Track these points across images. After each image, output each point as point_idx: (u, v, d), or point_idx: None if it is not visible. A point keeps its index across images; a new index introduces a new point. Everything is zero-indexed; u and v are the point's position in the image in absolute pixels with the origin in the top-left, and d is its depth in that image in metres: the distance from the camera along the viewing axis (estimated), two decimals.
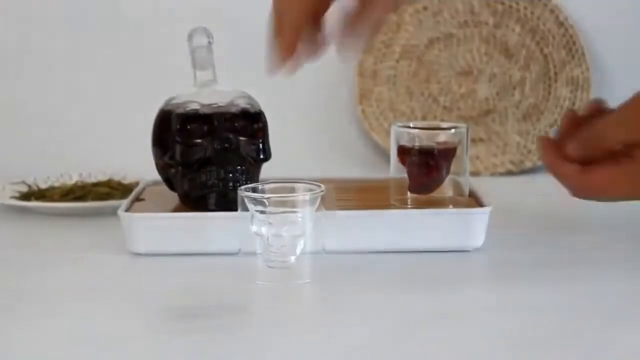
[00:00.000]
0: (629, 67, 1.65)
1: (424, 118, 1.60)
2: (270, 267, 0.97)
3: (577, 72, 1.60)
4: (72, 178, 1.38)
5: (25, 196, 1.32)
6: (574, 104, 1.60)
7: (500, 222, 1.10)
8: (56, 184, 1.37)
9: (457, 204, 1.10)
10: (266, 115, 1.10)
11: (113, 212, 1.11)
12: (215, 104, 1.09)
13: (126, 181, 1.35)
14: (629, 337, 0.83)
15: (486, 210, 1.07)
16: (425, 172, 1.09)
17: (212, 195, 1.08)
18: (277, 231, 0.96)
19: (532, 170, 1.55)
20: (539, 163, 1.55)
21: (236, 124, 1.09)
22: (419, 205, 1.10)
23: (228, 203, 1.05)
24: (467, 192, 1.11)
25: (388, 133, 1.14)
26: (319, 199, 0.97)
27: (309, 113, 1.60)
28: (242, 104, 1.10)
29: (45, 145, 1.57)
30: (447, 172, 1.10)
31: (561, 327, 0.86)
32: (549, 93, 1.60)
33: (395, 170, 1.11)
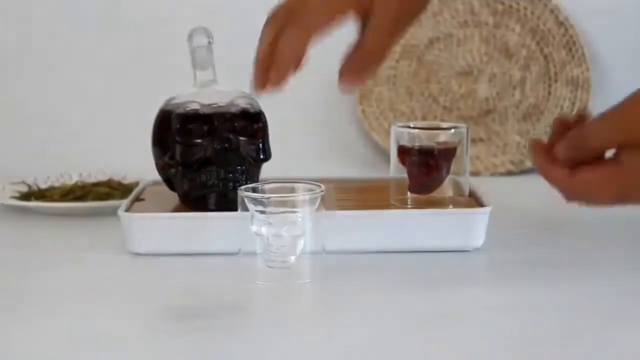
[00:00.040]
0: (629, 67, 1.65)
1: (424, 118, 1.60)
2: (270, 267, 0.97)
3: (577, 72, 1.60)
4: (72, 178, 1.38)
5: (25, 196, 1.32)
6: (574, 103, 1.60)
7: (500, 222, 1.10)
8: (56, 184, 1.37)
9: (457, 204, 1.10)
10: (266, 115, 1.10)
11: (113, 212, 1.11)
12: (215, 104, 1.09)
13: (126, 181, 1.35)
14: (628, 337, 0.83)
15: (486, 210, 1.07)
16: (425, 172, 1.09)
17: (212, 195, 1.08)
18: (277, 231, 0.96)
19: (532, 170, 1.55)
20: None
21: (236, 124, 1.09)
22: (419, 205, 1.10)
23: (228, 203, 1.05)
24: (467, 192, 1.11)
25: (388, 133, 1.14)
26: (319, 199, 0.97)
27: (309, 113, 1.60)
28: (242, 104, 1.10)
29: (45, 145, 1.57)
30: (447, 172, 1.10)
31: (561, 327, 0.86)
32: (549, 93, 1.60)
33: (395, 170, 1.11)
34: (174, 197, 1.12)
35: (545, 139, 0.88)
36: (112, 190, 1.31)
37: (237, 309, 0.92)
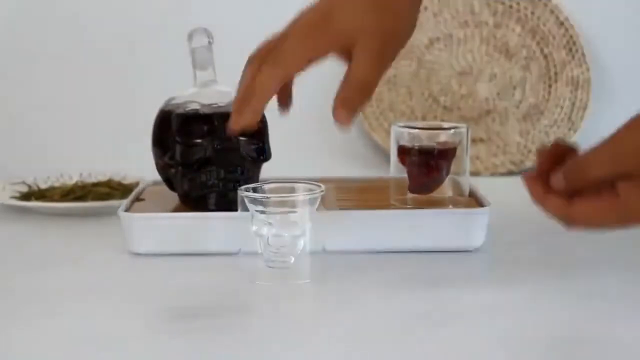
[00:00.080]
0: (629, 67, 1.65)
1: (424, 118, 1.60)
2: (270, 267, 0.97)
3: (577, 72, 1.60)
4: (72, 178, 1.38)
5: (25, 196, 1.32)
6: (573, 103, 1.60)
7: (500, 222, 1.10)
8: (56, 184, 1.37)
9: (457, 204, 1.10)
10: (266, 115, 1.10)
11: (113, 212, 1.11)
12: (215, 104, 1.09)
13: (126, 181, 1.35)
14: (629, 337, 0.83)
15: (486, 210, 1.07)
16: (425, 172, 1.09)
17: (212, 195, 1.08)
18: (277, 231, 0.96)
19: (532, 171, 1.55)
20: None
21: None
22: (419, 205, 1.10)
23: (228, 203, 1.06)
24: (467, 192, 1.11)
25: (388, 133, 1.14)
26: (319, 199, 0.97)
27: (309, 113, 1.60)
28: None
29: (45, 145, 1.57)
30: (447, 172, 1.10)
31: (561, 327, 0.86)
32: (549, 93, 1.60)
33: (395, 170, 1.11)
34: (174, 197, 1.12)
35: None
36: (112, 190, 1.31)
37: (237, 309, 0.92)
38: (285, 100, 1.02)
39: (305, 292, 0.96)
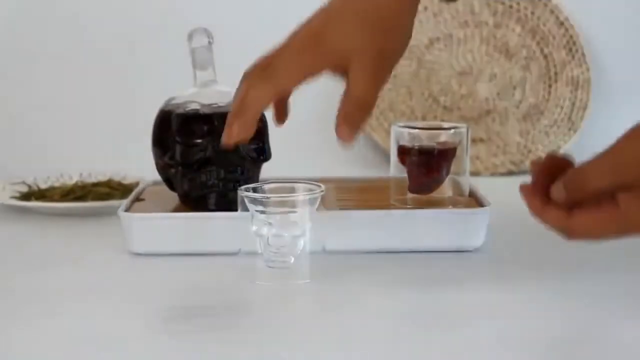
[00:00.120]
0: (629, 67, 1.65)
1: (424, 118, 1.60)
2: (270, 267, 0.97)
3: (577, 72, 1.60)
4: (72, 178, 1.38)
5: (25, 196, 1.32)
6: (573, 103, 1.60)
7: (500, 222, 1.10)
8: (56, 184, 1.37)
9: (457, 204, 1.10)
10: (266, 116, 1.10)
11: (113, 212, 1.11)
12: (215, 104, 1.09)
13: (126, 181, 1.35)
14: (629, 337, 0.83)
15: (486, 210, 1.07)
16: (425, 172, 1.09)
17: (212, 195, 1.08)
18: (277, 231, 0.96)
19: None
20: None
21: None
22: (419, 205, 1.10)
23: (228, 203, 1.06)
24: (467, 192, 1.11)
25: (388, 133, 1.14)
26: (319, 199, 0.97)
27: (309, 113, 1.60)
28: None
29: (45, 145, 1.57)
30: (447, 172, 1.10)
31: (561, 327, 0.86)
32: (549, 93, 1.60)
33: (395, 170, 1.11)
34: (174, 197, 1.12)
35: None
36: (112, 190, 1.31)
37: (237, 309, 0.92)
38: (280, 116, 1.02)
39: (305, 292, 0.96)
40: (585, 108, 1.60)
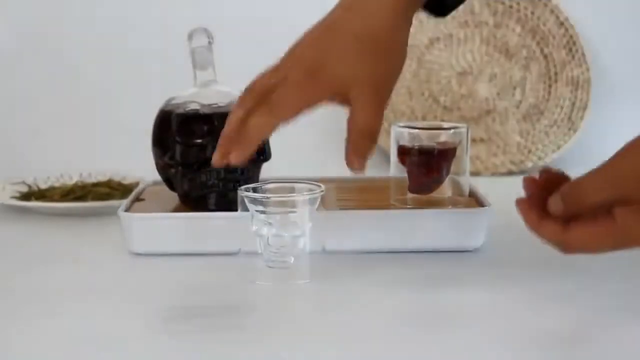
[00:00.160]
0: (629, 67, 1.65)
1: (424, 118, 1.60)
2: (270, 267, 0.97)
3: (577, 72, 1.60)
4: (72, 178, 1.38)
5: (25, 196, 1.32)
6: (573, 103, 1.60)
7: (500, 222, 1.10)
8: (56, 184, 1.37)
9: (457, 204, 1.10)
10: None
11: (113, 212, 1.11)
12: (215, 104, 1.09)
13: (126, 181, 1.35)
14: (629, 337, 0.83)
15: (486, 210, 1.07)
16: (425, 172, 1.09)
17: (212, 195, 1.08)
18: (277, 231, 0.96)
19: (532, 171, 1.55)
20: (540, 163, 1.56)
21: None
22: (419, 205, 1.10)
23: (228, 203, 1.06)
24: (467, 192, 1.11)
25: (388, 133, 1.14)
26: (319, 199, 0.97)
27: (309, 113, 1.60)
28: None
29: (45, 145, 1.57)
30: (447, 172, 1.10)
31: (561, 326, 0.86)
32: (549, 93, 1.60)
33: (395, 170, 1.11)
34: (174, 197, 1.12)
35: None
36: (112, 190, 1.31)
37: (237, 309, 0.92)
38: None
39: (305, 292, 0.96)
40: (585, 108, 1.59)
